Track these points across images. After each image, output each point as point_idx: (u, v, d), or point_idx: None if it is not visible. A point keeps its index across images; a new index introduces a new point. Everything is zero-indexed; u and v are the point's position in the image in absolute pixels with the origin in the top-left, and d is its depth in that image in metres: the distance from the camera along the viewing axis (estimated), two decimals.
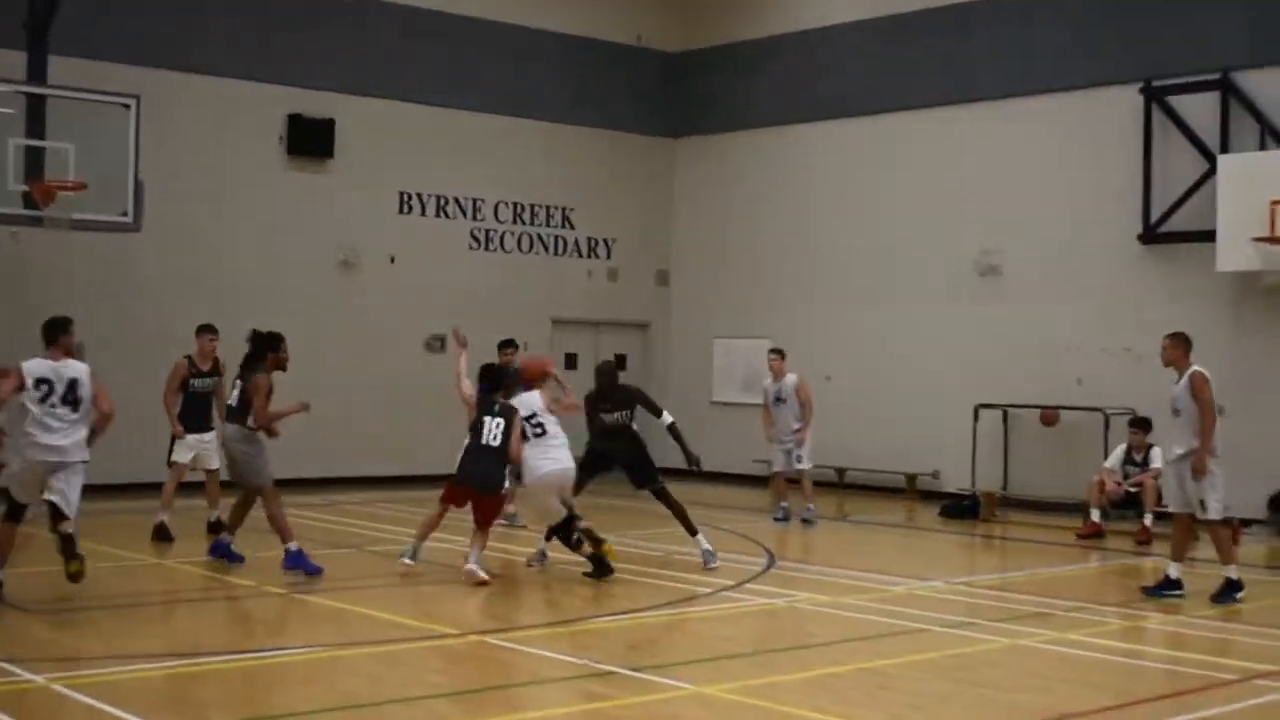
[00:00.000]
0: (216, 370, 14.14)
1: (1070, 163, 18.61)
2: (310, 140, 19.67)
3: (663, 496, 12.89)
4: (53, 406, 10.30)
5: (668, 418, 13.10)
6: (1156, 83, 17.66)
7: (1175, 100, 17.54)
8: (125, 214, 15.36)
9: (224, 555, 12.34)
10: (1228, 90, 17.10)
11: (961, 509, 17.64)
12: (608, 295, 22.85)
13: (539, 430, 11.99)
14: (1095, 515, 15.82)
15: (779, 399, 16.85)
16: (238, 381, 12.34)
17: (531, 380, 12.41)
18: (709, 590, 11.64)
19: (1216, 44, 17.33)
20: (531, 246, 22.03)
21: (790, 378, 16.83)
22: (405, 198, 20.76)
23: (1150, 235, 17.66)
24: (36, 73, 15.89)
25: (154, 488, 14.47)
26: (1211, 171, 16.92)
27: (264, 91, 19.35)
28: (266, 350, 12.19)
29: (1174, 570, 11.69)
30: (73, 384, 10.40)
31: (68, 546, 10.27)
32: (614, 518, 14.73)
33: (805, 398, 16.78)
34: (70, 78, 15.89)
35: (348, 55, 20.17)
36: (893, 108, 20.52)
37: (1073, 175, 18.57)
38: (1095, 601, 11.63)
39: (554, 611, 11.18)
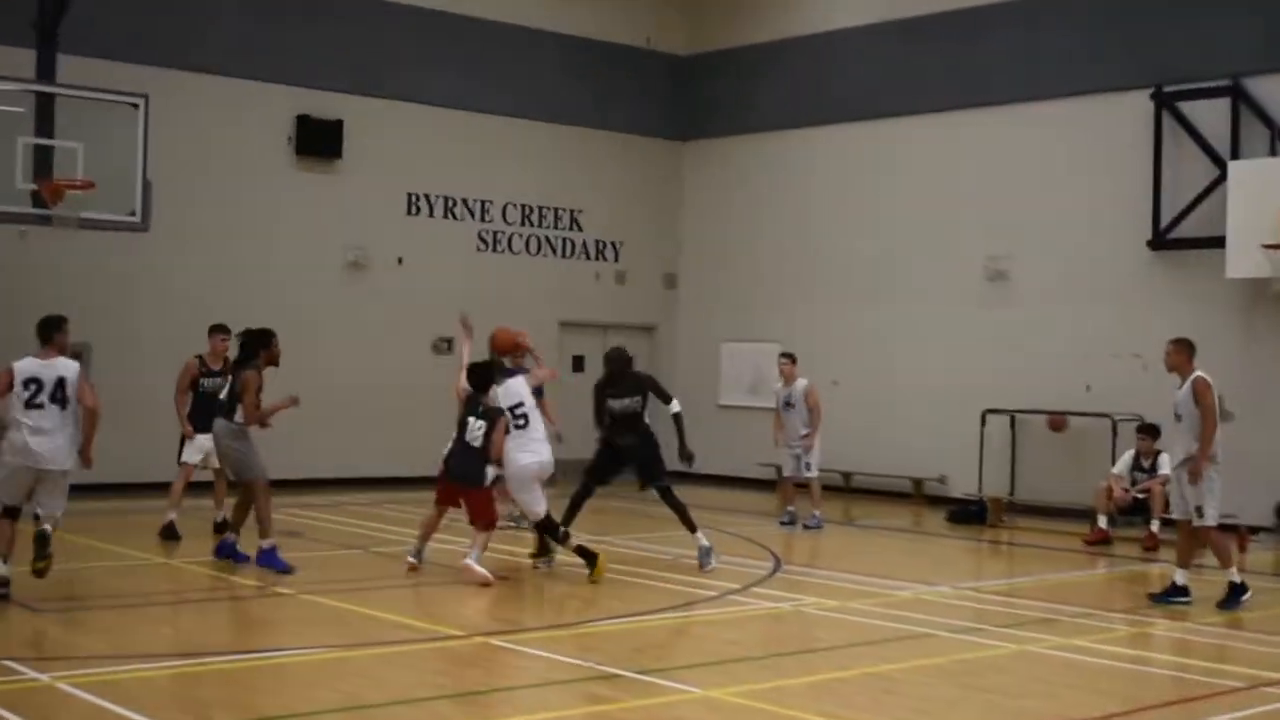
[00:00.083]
0: (227, 370, 14.10)
1: (1079, 169, 18.55)
2: (319, 141, 19.69)
3: (667, 496, 12.88)
4: (40, 406, 10.31)
5: (676, 406, 12.91)
6: (1167, 88, 17.60)
7: (1185, 106, 17.48)
8: (133, 213, 15.34)
9: (229, 556, 12.35)
10: (1238, 96, 17.05)
11: (968, 514, 17.62)
12: (615, 298, 22.84)
13: (521, 422, 12.01)
14: (1103, 521, 15.78)
15: (788, 404, 16.78)
16: (228, 377, 12.37)
17: (503, 351, 12.44)
18: (714, 594, 11.62)
19: (1227, 50, 17.26)
20: (540, 248, 22.03)
21: (800, 383, 16.76)
22: (414, 199, 20.77)
23: (1160, 241, 17.60)
24: (45, 72, 15.94)
25: (161, 487, 14.47)
26: (1222, 178, 16.87)
27: (272, 92, 19.38)
28: (258, 346, 12.22)
29: (1180, 577, 11.67)
30: (60, 383, 10.41)
31: (40, 542, 10.41)
32: (619, 520, 14.72)
33: (814, 404, 16.70)
34: (79, 77, 15.89)
35: (356, 56, 20.17)
36: (902, 112, 20.46)
37: (1082, 181, 18.50)
38: (1102, 608, 11.59)
39: (559, 614, 11.19)
